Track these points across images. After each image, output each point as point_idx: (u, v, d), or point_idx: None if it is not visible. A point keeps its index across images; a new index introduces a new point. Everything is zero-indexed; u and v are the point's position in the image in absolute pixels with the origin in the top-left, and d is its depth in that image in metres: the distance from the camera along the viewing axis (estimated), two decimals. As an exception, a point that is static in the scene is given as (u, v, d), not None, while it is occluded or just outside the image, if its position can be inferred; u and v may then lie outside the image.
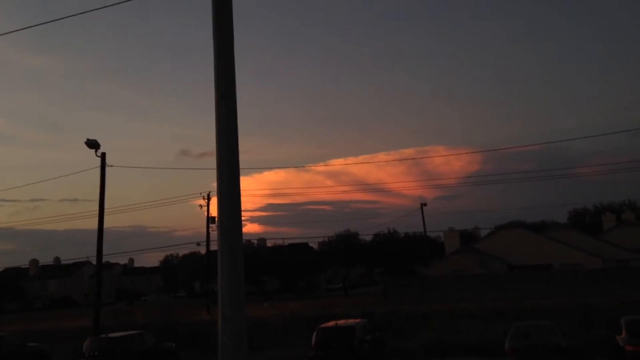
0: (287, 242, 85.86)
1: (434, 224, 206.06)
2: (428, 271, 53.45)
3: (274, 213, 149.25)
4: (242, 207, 5.33)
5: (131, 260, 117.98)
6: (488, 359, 19.09)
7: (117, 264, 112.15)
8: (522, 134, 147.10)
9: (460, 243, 57.69)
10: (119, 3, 10.06)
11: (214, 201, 48.95)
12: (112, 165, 28.60)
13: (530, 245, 49.37)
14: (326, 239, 76.78)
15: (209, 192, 53.43)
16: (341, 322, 19.69)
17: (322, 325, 19.42)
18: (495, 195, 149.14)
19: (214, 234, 47.90)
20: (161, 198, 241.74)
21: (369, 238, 76.36)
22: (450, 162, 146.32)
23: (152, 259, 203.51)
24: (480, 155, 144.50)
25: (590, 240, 52.39)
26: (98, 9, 10.04)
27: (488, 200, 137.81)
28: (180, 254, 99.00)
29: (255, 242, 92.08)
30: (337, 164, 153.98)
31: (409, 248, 70.10)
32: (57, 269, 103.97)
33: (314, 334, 18.67)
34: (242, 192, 5.35)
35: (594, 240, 52.82)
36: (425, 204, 62.14)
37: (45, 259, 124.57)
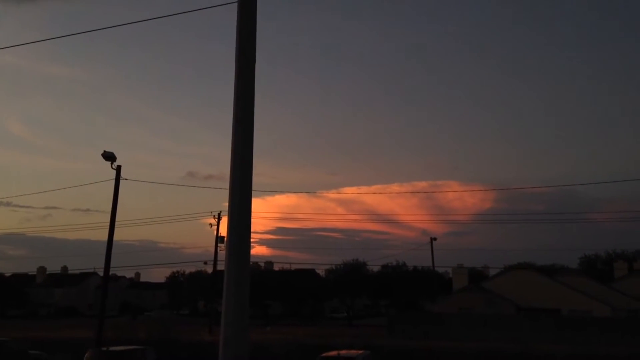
0: (294, 267, 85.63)
1: (443, 259, 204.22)
2: (434, 307, 52.84)
3: (283, 237, 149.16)
4: (252, 229, 5.34)
5: (138, 275, 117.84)
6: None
7: (124, 277, 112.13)
8: (537, 175, 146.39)
9: (469, 281, 57.20)
10: (142, 21, 10.28)
11: (224, 221, 48.95)
12: (126, 179, 28.85)
13: (540, 288, 48.67)
14: (334, 266, 76.26)
15: (220, 211, 53.43)
16: (343, 352, 19.50)
17: (324, 355, 19.20)
18: (506, 234, 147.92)
19: (222, 253, 47.79)
20: (171, 214, 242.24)
21: (377, 269, 75.67)
22: (463, 198, 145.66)
23: (159, 275, 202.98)
24: (493, 193, 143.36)
25: (600, 288, 51.56)
26: (121, 25, 10.25)
27: (498, 239, 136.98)
28: (187, 271, 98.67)
29: (262, 264, 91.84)
30: (349, 192, 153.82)
31: (417, 282, 69.40)
32: (64, 278, 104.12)
33: (315, 362, 18.50)
34: (252, 214, 5.36)
35: (604, 288, 51.96)
36: (435, 239, 61.99)
37: (54, 267, 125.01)
